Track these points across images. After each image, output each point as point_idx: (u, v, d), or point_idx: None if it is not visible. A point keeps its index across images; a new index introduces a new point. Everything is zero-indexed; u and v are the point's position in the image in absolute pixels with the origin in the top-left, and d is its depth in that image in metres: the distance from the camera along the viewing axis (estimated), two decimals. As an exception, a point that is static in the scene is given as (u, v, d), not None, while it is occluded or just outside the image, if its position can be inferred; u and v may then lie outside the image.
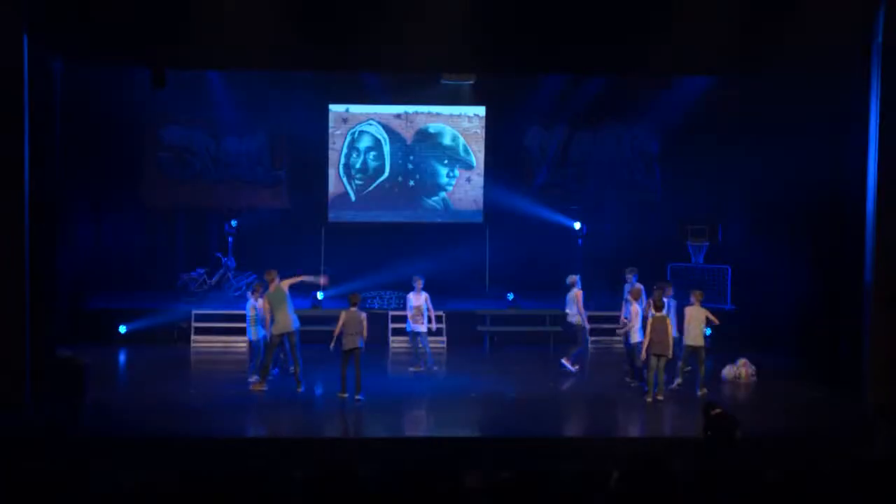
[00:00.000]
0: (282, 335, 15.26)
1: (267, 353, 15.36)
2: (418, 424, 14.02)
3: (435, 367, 16.71)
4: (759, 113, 18.97)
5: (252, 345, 15.89)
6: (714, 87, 19.65)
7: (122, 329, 18.11)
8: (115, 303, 18.95)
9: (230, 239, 20.43)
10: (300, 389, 15.08)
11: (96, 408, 14.24)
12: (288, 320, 15.23)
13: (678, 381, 15.58)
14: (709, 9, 14.04)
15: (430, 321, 16.50)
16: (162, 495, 7.15)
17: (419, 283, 16.53)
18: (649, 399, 14.72)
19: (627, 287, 16.50)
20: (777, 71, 15.93)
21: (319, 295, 19.56)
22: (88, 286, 19.32)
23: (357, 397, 14.67)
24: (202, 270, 20.04)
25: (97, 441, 12.53)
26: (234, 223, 20.43)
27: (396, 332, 18.69)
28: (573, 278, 16.67)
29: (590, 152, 21.87)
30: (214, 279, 20.10)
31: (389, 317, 18.88)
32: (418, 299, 16.48)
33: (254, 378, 15.42)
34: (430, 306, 16.51)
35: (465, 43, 14.16)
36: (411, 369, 16.68)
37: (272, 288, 15.30)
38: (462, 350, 18.29)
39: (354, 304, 15.01)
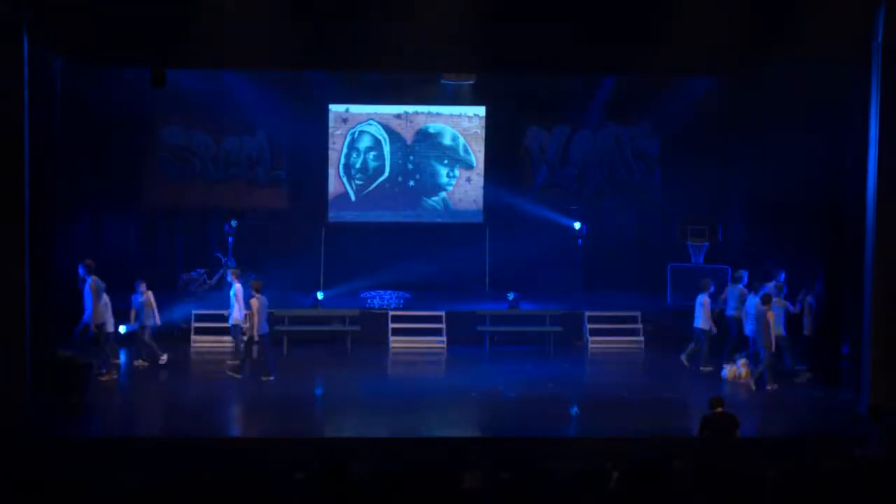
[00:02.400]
0: (98, 325, 15.76)
1: (107, 344, 15.89)
2: (418, 424, 14.01)
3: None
4: (759, 113, 18.98)
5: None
6: (714, 87, 19.64)
7: (123, 329, 18.08)
8: (115, 303, 18.90)
9: (230, 239, 20.41)
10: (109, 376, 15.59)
11: (96, 408, 14.25)
12: (99, 312, 15.79)
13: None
14: (709, 9, 14.03)
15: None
16: (162, 495, 7.16)
17: (235, 275, 16.69)
18: (768, 387, 15.54)
19: (733, 288, 17.09)
20: (777, 71, 15.93)
21: (319, 295, 19.56)
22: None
23: (271, 378, 15.51)
24: (202, 270, 20.03)
25: (97, 441, 12.54)
26: (234, 223, 20.42)
27: (396, 332, 18.70)
28: (739, 274, 17.22)
29: (590, 152, 21.85)
30: (214, 279, 20.10)
31: (389, 317, 18.87)
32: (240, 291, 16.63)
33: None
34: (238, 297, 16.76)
35: (465, 43, 14.15)
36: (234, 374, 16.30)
37: (93, 277, 15.86)
38: (462, 350, 18.28)
39: (258, 290, 15.77)
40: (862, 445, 11.27)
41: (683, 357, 16.85)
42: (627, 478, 7.79)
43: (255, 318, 15.66)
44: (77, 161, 17.51)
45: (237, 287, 16.56)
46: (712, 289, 16.94)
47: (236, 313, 16.50)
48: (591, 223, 21.27)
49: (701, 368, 16.68)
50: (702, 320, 16.73)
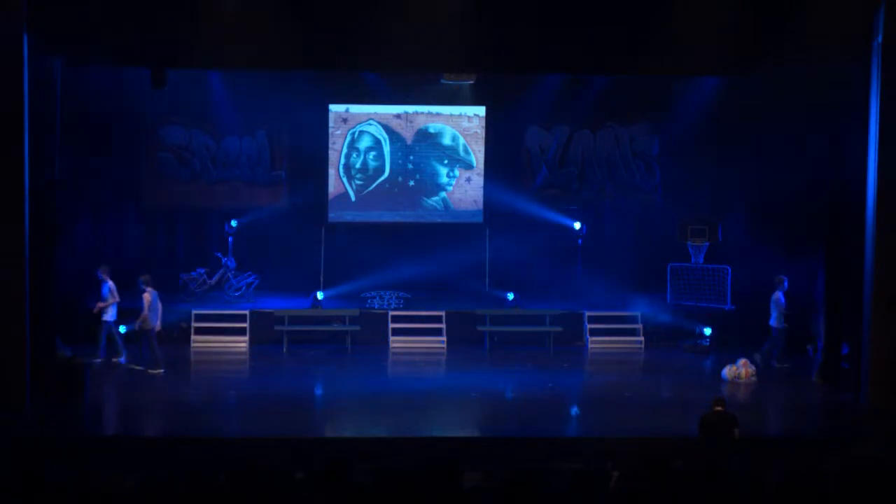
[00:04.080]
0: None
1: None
2: (418, 424, 14.01)
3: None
4: (759, 113, 18.97)
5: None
6: (714, 87, 19.63)
7: (122, 329, 18.10)
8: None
9: (230, 239, 20.42)
10: None
11: (96, 408, 14.25)
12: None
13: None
14: (709, 9, 14.05)
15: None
16: (161, 495, 7.15)
17: (105, 272, 16.83)
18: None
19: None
20: (777, 71, 15.93)
21: (319, 295, 19.57)
22: (88, 286, 19.29)
23: (161, 371, 15.87)
24: (202, 270, 20.03)
25: (97, 441, 12.54)
26: (234, 223, 20.43)
27: (396, 332, 18.70)
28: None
29: (590, 152, 21.84)
30: (214, 279, 20.10)
31: (389, 317, 18.87)
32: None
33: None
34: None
35: (464, 43, 14.15)
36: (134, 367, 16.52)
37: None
38: (462, 350, 18.29)
39: (149, 285, 16.20)
40: (862, 445, 11.27)
41: (758, 356, 16.92)
42: (627, 478, 7.80)
43: (146, 312, 15.89)
44: (77, 161, 17.49)
45: (110, 285, 16.68)
46: (786, 285, 16.98)
47: (109, 312, 16.69)
48: (591, 223, 21.28)
49: (776, 365, 16.89)
50: (776, 317, 16.82)
